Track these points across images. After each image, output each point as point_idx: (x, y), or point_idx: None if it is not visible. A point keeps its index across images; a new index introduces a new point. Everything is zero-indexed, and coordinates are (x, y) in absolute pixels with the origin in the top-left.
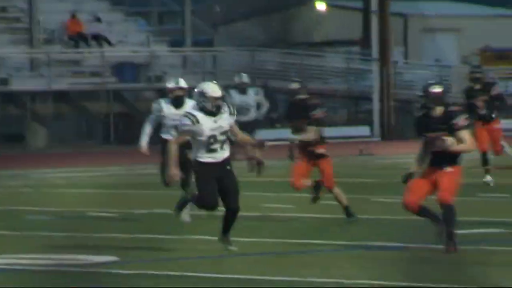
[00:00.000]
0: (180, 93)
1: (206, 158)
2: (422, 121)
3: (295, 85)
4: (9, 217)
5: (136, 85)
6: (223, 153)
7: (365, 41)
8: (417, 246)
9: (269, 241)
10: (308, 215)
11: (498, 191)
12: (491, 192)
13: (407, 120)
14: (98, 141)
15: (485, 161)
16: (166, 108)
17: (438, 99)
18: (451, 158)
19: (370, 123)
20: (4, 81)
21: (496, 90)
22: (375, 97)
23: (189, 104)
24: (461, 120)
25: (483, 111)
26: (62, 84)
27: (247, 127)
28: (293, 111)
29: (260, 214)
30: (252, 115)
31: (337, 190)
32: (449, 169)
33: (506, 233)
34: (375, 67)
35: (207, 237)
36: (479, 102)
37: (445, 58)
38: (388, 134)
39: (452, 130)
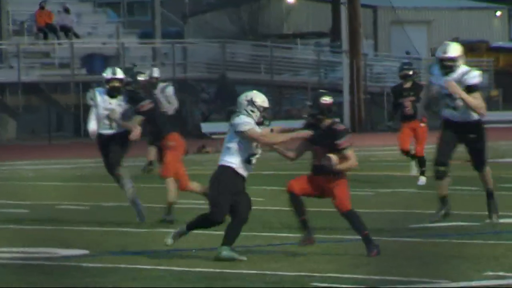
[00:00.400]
0: (116, 83)
1: (240, 168)
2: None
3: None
4: None
5: None
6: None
7: (334, 33)
8: (388, 239)
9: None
10: (278, 208)
11: (462, 183)
12: (455, 185)
13: (377, 113)
14: (68, 133)
15: (421, 163)
16: (100, 98)
17: (328, 110)
18: (337, 174)
19: (340, 116)
20: None
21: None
22: (345, 89)
23: (121, 96)
24: (344, 141)
25: (410, 112)
26: (32, 76)
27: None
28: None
29: None
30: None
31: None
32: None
33: (474, 226)
34: (345, 59)
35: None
36: (407, 102)
37: (415, 51)
38: (359, 126)
39: (336, 149)
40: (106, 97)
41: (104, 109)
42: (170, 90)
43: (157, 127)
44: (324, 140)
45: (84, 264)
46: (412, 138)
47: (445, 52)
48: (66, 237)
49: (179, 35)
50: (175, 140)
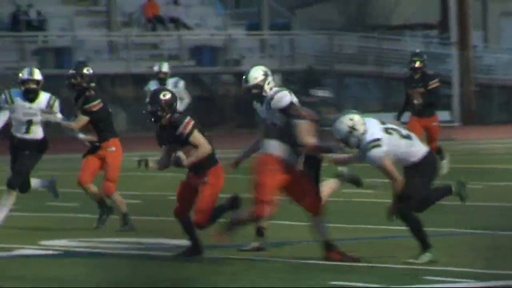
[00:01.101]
0: (32, 85)
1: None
2: (158, 133)
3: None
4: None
5: (213, 69)
6: None
7: (443, 25)
8: (503, 234)
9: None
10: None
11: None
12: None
13: (487, 105)
14: None
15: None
16: (18, 100)
17: (168, 106)
18: (202, 167)
19: (449, 108)
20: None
21: (434, 84)
22: (455, 81)
23: (43, 97)
24: (184, 126)
25: (418, 103)
26: (141, 68)
27: None
28: None
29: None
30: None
31: None
32: (206, 179)
33: None
34: (454, 51)
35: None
36: (416, 93)
37: None
38: (469, 119)
39: (183, 141)
40: (24, 100)
41: (24, 114)
42: (181, 85)
43: (100, 130)
44: (169, 138)
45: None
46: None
47: None
48: (178, 228)
49: (286, 27)
50: (115, 145)
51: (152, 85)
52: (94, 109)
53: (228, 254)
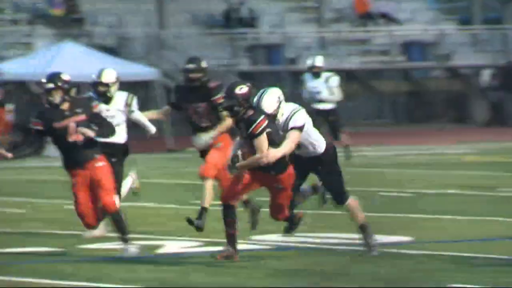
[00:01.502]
0: (101, 88)
1: None
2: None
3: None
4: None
5: (424, 64)
6: None
7: None
8: None
9: None
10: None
11: None
12: None
13: None
14: (387, 120)
15: None
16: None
17: (245, 100)
18: (273, 168)
19: None
20: (292, 61)
21: None
22: None
23: (120, 97)
24: (255, 126)
25: None
26: (351, 63)
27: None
28: None
29: None
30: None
31: None
32: (280, 185)
33: None
34: None
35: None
36: None
37: None
38: None
39: (251, 140)
40: (102, 104)
41: None
42: (334, 80)
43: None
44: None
45: (406, 251)
46: None
47: None
48: (390, 224)
49: (498, 20)
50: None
51: (307, 79)
52: None
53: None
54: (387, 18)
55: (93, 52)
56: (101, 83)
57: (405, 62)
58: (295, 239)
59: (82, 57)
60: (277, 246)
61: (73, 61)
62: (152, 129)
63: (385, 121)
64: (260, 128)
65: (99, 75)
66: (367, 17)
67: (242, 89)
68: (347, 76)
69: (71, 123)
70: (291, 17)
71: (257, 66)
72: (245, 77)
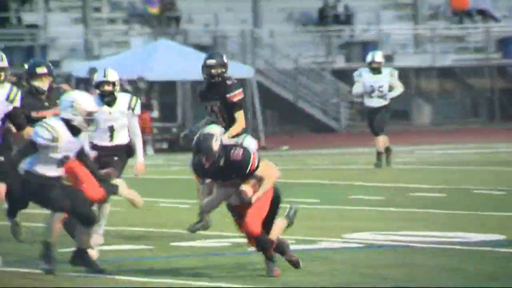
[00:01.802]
0: (107, 87)
1: None
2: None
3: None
4: (398, 194)
5: None
6: None
7: None
8: None
9: None
10: None
11: None
12: None
13: None
14: (483, 118)
15: None
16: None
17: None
18: None
19: None
20: (388, 58)
21: None
22: None
23: (123, 99)
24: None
25: None
26: (446, 60)
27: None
28: None
29: None
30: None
31: None
32: None
33: None
34: None
35: None
36: None
37: None
38: None
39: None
40: (103, 106)
41: (104, 120)
42: (395, 74)
43: None
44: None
45: (497, 249)
46: None
47: None
48: (482, 222)
49: None
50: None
51: (363, 74)
52: None
53: None
54: (486, 15)
55: (189, 50)
56: (108, 82)
57: (500, 59)
58: (384, 238)
59: (178, 55)
60: (368, 245)
61: (169, 59)
62: (140, 158)
63: (480, 119)
64: (256, 162)
65: (105, 74)
66: (464, 14)
67: (217, 142)
68: (442, 74)
69: (49, 115)
70: (386, 14)
71: (352, 63)
72: (339, 74)
